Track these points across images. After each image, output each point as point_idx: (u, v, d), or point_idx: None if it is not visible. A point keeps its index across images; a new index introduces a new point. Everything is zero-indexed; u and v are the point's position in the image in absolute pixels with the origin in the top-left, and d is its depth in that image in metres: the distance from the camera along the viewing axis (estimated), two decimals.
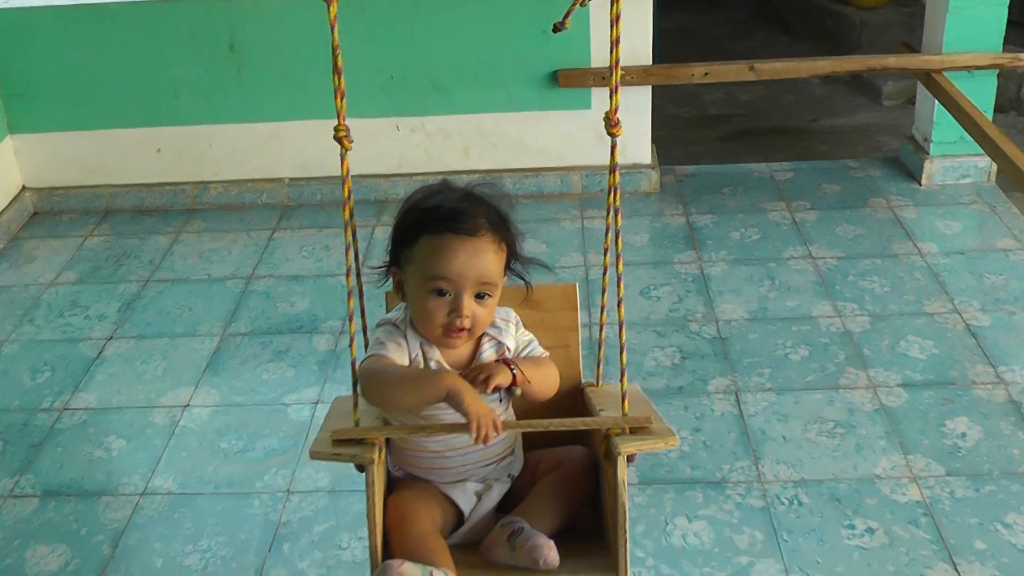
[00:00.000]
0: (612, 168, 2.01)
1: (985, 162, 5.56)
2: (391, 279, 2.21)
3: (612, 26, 1.99)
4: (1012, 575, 3.17)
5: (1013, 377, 4.05)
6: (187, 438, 3.96)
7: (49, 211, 5.89)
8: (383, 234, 5.22)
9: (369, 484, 1.97)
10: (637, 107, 5.55)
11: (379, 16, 5.47)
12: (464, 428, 1.91)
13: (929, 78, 5.44)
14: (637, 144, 5.67)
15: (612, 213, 2.06)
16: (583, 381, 2.40)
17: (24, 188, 5.90)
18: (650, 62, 5.51)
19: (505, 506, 2.19)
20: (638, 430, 2.01)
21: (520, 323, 2.25)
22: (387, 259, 2.21)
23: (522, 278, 2.22)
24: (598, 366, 2.37)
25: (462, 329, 2.06)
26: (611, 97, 2.02)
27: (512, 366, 2.09)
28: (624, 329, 2.13)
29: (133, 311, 4.84)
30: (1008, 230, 5.14)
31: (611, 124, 2.02)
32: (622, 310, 2.13)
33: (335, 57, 1.98)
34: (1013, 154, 4.62)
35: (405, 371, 2.06)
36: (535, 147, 5.68)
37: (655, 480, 3.61)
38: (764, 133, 6.99)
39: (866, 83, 7.45)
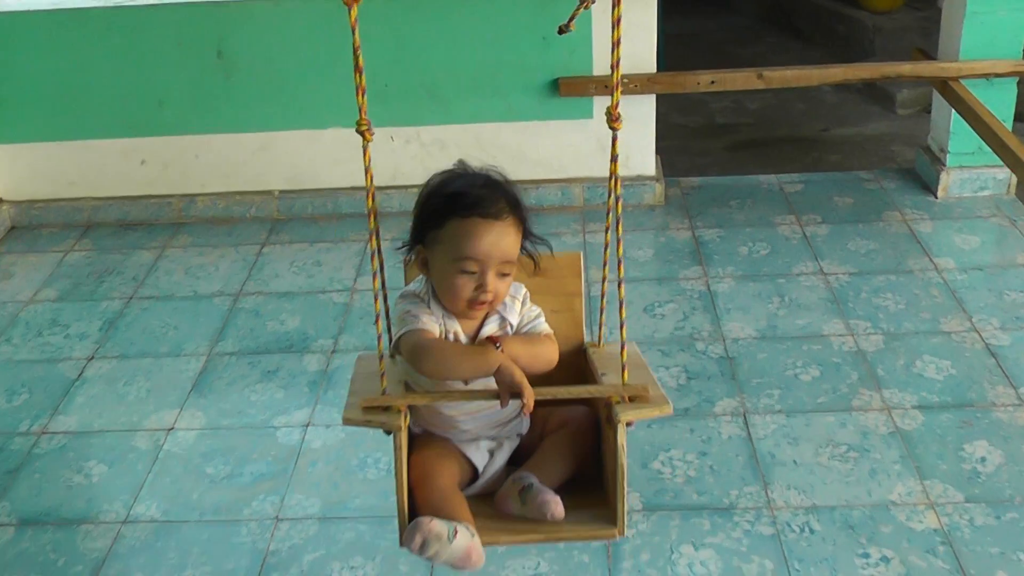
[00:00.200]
0: (613, 157, 2.25)
1: (1004, 174, 5.55)
2: (415, 256, 2.46)
3: (613, 28, 2.17)
4: None
5: None
6: (171, 463, 3.94)
7: (28, 225, 5.88)
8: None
9: (396, 448, 2.23)
10: (641, 116, 5.54)
11: (373, 21, 5.46)
12: (481, 395, 2.29)
13: (946, 86, 5.43)
14: (641, 155, 5.66)
15: (612, 197, 2.30)
16: (586, 341, 2.66)
17: (1, 201, 5.89)
18: (654, 69, 5.50)
19: (515, 460, 2.49)
20: (636, 398, 2.27)
21: (528, 298, 2.50)
22: (411, 237, 2.47)
23: (531, 257, 2.47)
24: (600, 329, 2.65)
25: (484, 303, 2.34)
26: (613, 91, 2.19)
27: (498, 344, 2.34)
28: (623, 287, 2.34)
29: (115, 330, 4.82)
30: None
31: (612, 119, 2.21)
32: (621, 268, 2.32)
33: (356, 57, 2.18)
34: None
35: (460, 347, 2.37)
36: (535, 158, 5.67)
37: (660, 506, 3.59)
38: (773, 143, 6.98)
39: (880, 91, 7.45)
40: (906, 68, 5.59)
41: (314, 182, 5.81)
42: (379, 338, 2.33)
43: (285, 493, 3.75)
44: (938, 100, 5.67)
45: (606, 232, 2.44)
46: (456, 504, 2.28)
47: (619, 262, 2.30)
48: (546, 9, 5.34)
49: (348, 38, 5.51)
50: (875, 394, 4.10)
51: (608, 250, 2.43)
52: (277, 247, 5.52)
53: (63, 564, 3.50)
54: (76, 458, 4.00)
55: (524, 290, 2.51)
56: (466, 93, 5.55)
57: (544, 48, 5.42)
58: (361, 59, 2.19)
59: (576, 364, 2.60)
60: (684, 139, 7.08)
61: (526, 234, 2.43)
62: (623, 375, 2.33)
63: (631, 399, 2.28)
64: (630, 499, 2.04)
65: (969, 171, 5.60)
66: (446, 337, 2.39)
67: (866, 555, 3.35)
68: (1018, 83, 5.53)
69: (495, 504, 2.36)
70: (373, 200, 2.30)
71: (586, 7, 2.52)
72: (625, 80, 5.25)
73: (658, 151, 5.79)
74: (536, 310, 2.51)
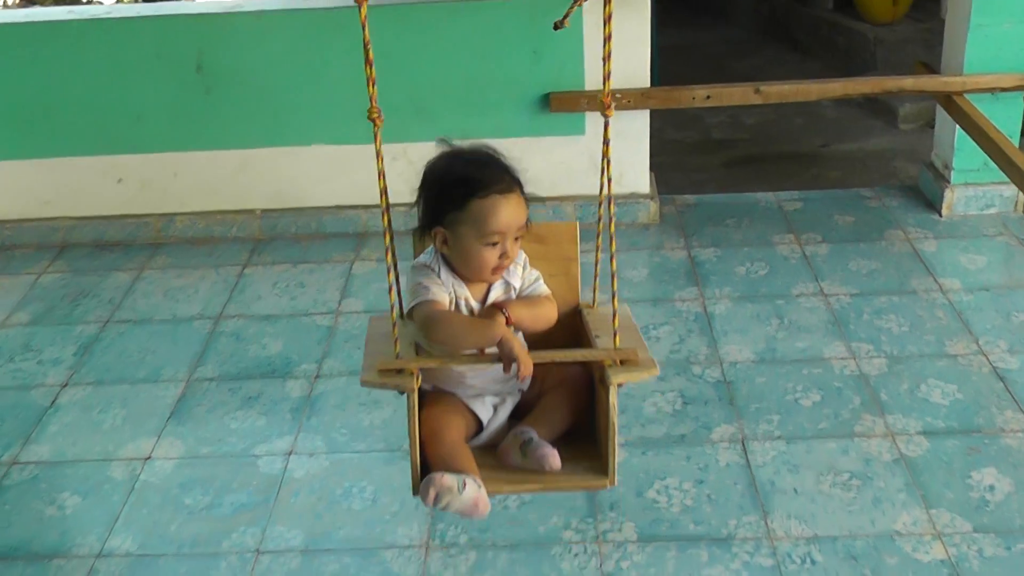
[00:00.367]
0: (605, 140, 2.50)
1: (1011, 191, 5.55)
2: (434, 236, 2.73)
3: (605, 43, 2.38)
4: None
5: None
6: (148, 493, 3.91)
7: (0, 246, 5.87)
8: (363, 270, 5.24)
9: (410, 407, 2.52)
10: (634, 132, 5.53)
11: (358, 35, 5.43)
12: (485, 359, 2.59)
13: (950, 100, 5.43)
14: (635, 172, 5.65)
15: (605, 168, 2.56)
16: (580, 302, 2.95)
17: None
18: (648, 84, 5.50)
19: (516, 414, 2.79)
20: (627, 361, 2.55)
21: (528, 263, 2.80)
22: (426, 219, 2.76)
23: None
24: (594, 292, 2.88)
25: (505, 267, 2.67)
26: (604, 65, 2.41)
27: (504, 309, 2.67)
28: (615, 257, 2.61)
29: (91, 355, 4.80)
30: None
31: (605, 106, 2.45)
32: (614, 244, 2.60)
33: (367, 51, 2.50)
34: None
35: (467, 319, 2.67)
36: (525, 175, 5.64)
37: (655, 537, 3.57)
38: (771, 159, 6.98)
39: (881, 105, 7.45)
40: (908, 82, 5.60)
41: (297, 200, 5.79)
42: (392, 307, 2.61)
43: (266, 525, 3.72)
44: (942, 115, 5.68)
45: (597, 236, 2.72)
46: (464, 458, 2.57)
47: (611, 238, 2.59)
48: (536, 22, 5.33)
49: (331, 52, 5.54)
50: (878, 420, 4.08)
51: (600, 222, 2.70)
52: (259, 268, 5.50)
53: None
54: (49, 489, 3.97)
55: (524, 256, 2.80)
56: (454, 109, 5.54)
57: (534, 62, 5.42)
58: (371, 53, 2.51)
59: (572, 324, 2.89)
60: (679, 155, 7.08)
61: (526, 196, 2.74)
62: (615, 340, 2.60)
63: (622, 362, 2.55)
64: (620, 452, 2.61)
65: (974, 188, 5.60)
66: (455, 303, 2.70)
67: None
68: None
69: (498, 456, 2.66)
70: (383, 179, 2.67)
71: (580, 4, 2.81)
72: (618, 95, 5.24)
73: (652, 168, 5.78)
74: (535, 273, 2.81)
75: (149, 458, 4.10)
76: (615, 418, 2.53)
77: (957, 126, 5.45)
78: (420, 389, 2.61)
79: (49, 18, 5.59)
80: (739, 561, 3.46)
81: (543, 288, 2.80)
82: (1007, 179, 5.09)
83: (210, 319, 5.04)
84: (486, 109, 5.53)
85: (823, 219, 5.67)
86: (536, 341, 2.68)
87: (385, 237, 2.62)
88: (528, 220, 2.73)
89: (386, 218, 2.63)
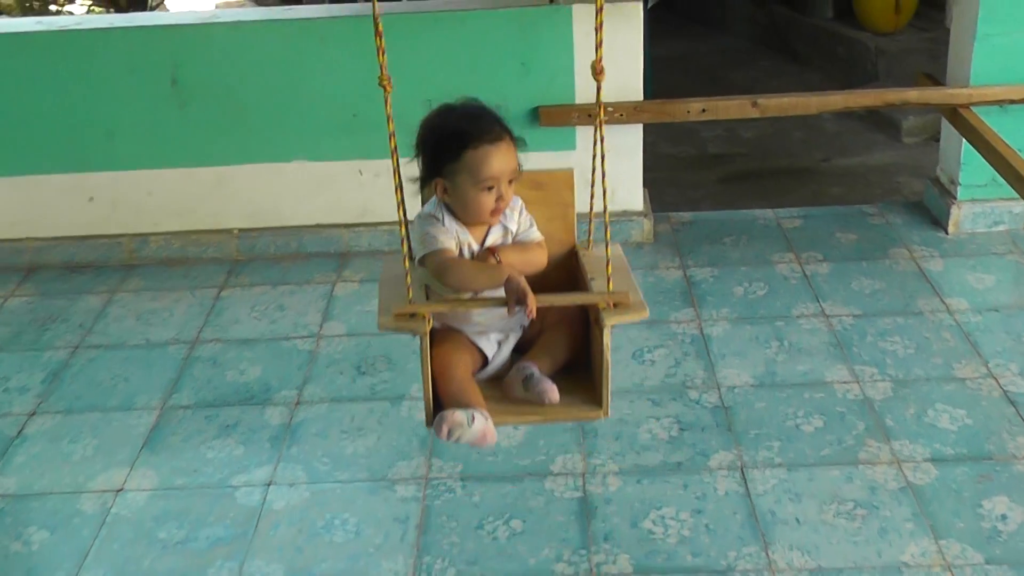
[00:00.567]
0: (599, 103, 2.79)
1: (1021, 207, 5.56)
2: (435, 187, 3.02)
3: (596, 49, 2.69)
4: None
5: None
6: (120, 527, 3.89)
7: None
8: (345, 291, 5.23)
9: (423, 349, 2.84)
10: (627, 147, 5.54)
11: (340, 46, 5.46)
12: (492, 303, 2.87)
13: (956, 113, 5.44)
14: (627, 188, 5.66)
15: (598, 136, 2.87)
16: (576, 244, 3.25)
17: None
18: (641, 97, 5.50)
19: (519, 348, 3.12)
20: (619, 304, 2.83)
21: (524, 209, 3.11)
22: (426, 172, 3.06)
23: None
24: (589, 236, 3.21)
25: (502, 209, 2.99)
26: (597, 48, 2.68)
27: (495, 255, 3.00)
28: (607, 195, 2.90)
29: (60, 382, 4.78)
30: None
31: (596, 71, 2.73)
32: (606, 182, 2.89)
33: (376, 24, 2.82)
34: None
35: (476, 264, 3.00)
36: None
37: (651, 569, 3.56)
38: (770, 175, 6.99)
39: (884, 118, 7.47)
40: (912, 95, 5.60)
41: (276, 219, 5.79)
42: (404, 257, 2.86)
43: (244, 559, 3.70)
44: (947, 128, 5.68)
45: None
46: (471, 392, 2.91)
47: (603, 175, 2.90)
48: (525, 34, 5.34)
49: (312, 64, 5.52)
50: (884, 446, 4.08)
51: (595, 174, 2.97)
52: (237, 290, 5.49)
53: None
54: (14, 524, 3.95)
55: (520, 202, 3.10)
56: None
57: (523, 75, 5.42)
58: (380, 25, 2.81)
59: (568, 264, 3.22)
60: (674, 171, 7.08)
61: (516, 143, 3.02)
62: (608, 284, 2.86)
63: (615, 305, 2.84)
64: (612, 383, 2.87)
65: (982, 204, 5.60)
66: (460, 247, 3.01)
67: None
68: None
69: (503, 389, 3.01)
70: (394, 139, 2.92)
71: None
72: (610, 109, 5.25)
73: (646, 184, 5.79)
74: (530, 219, 3.12)
75: (121, 490, 4.08)
76: (609, 356, 2.84)
77: (963, 140, 5.45)
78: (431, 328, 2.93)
79: (16, 29, 5.58)
80: None
81: (536, 234, 3.11)
82: (1016, 195, 5.09)
83: (185, 344, 5.02)
84: None
85: (824, 237, 5.68)
86: (536, 280, 2.93)
87: (394, 177, 2.90)
88: (520, 165, 3.01)
89: (394, 158, 2.92)
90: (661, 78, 7.70)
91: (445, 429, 2.81)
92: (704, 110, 5.55)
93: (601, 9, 2.64)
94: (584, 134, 5.51)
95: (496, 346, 3.11)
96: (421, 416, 4.29)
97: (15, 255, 5.82)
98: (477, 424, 2.82)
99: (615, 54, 5.23)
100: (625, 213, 5.67)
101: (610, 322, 2.81)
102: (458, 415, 2.81)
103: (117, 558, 3.75)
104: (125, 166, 5.69)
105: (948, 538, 3.62)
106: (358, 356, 4.82)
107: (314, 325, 5.10)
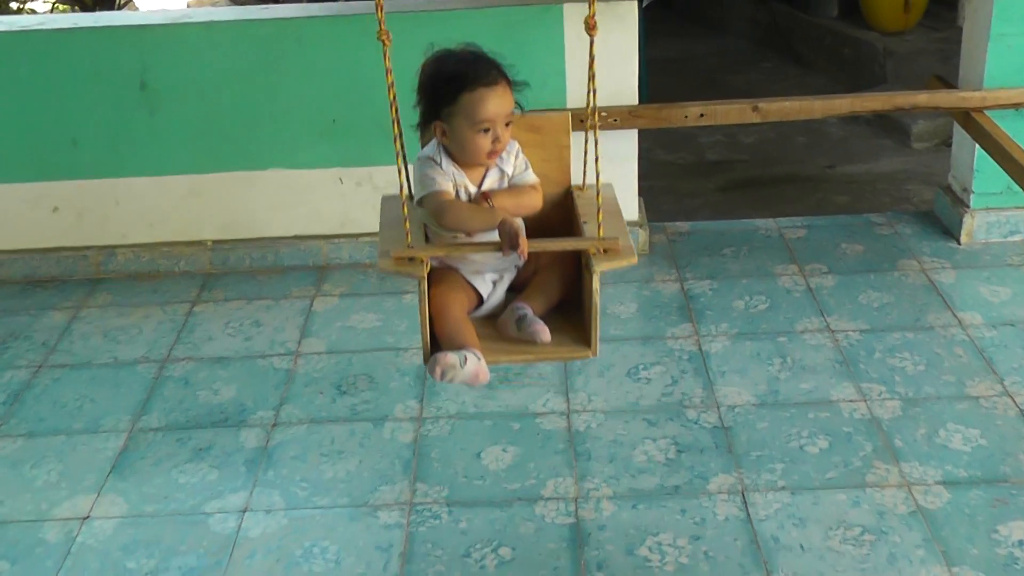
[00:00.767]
0: (593, 109, 2.97)
1: None
2: (434, 129, 3.21)
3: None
4: None
5: None
6: (86, 557, 3.88)
7: None
8: (324, 307, 5.23)
9: (421, 293, 3.05)
10: (621, 154, 5.54)
11: (318, 49, 5.46)
12: (487, 247, 3.06)
13: (968, 118, 5.45)
14: (622, 197, 5.59)
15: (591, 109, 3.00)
16: (572, 185, 3.47)
17: None
18: (636, 101, 5.51)
19: (514, 287, 3.33)
20: (609, 250, 3.01)
21: (520, 152, 3.32)
22: (425, 115, 3.24)
23: (518, 104, 3.21)
24: (583, 177, 3.39)
25: (498, 151, 3.18)
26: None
27: (488, 200, 3.21)
28: (598, 146, 3.03)
29: (22, 403, 4.78)
30: None
31: (590, 27, 2.81)
32: (597, 133, 3.00)
33: None
34: None
35: (472, 206, 3.21)
36: None
37: None
38: (771, 183, 7.01)
39: (892, 122, 7.49)
40: (922, 98, 5.61)
41: (252, 231, 5.79)
42: (403, 204, 3.00)
43: None
44: (959, 133, 5.70)
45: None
46: (466, 332, 3.11)
47: (595, 126, 3.01)
48: (511, 34, 5.34)
49: (289, 68, 5.54)
50: (893, 468, 4.08)
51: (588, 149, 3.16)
52: (210, 305, 5.49)
53: None
54: None
55: (517, 145, 3.30)
56: None
57: (511, 78, 5.41)
58: None
59: (565, 203, 3.44)
60: (670, 179, 7.10)
61: (513, 86, 3.21)
62: (599, 230, 3.02)
63: (605, 251, 3.01)
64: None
65: (996, 213, 5.62)
66: (457, 189, 3.21)
67: None
68: None
69: (498, 327, 3.21)
70: (392, 89, 3.05)
71: None
72: (604, 114, 5.26)
73: (641, 193, 5.80)
74: (525, 162, 3.32)
75: (87, 518, 4.07)
76: (597, 300, 3.02)
77: (976, 145, 5.47)
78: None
79: None
80: None
81: (531, 177, 3.32)
82: None
83: (155, 362, 5.02)
84: None
85: (829, 248, 5.69)
86: (533, 220, 3.26)
87: (394, 127, 3.10)
88: (517, 108, 3.21)
89: (394, 108, 3.09)
90: (657, 81, 7.72)
91: (439, 371, 3.01)
92: (703, 115, 5.56)
93: None
94: (576, 140, 5.49)
95: (491, 286, 3.31)
96: (405, 438, 4.32)
97: None
98: (469, 365, 3.03)
99: (609, 56, 5.25)
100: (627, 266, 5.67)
101: (599, 268, 2.99)
102: (450, 357, 3.01)
103: None
104: (91, 174, 5.69)
105: (961, 565, 3.62)
106: (338, 375, 4.82)
107: (292, 342, 5.11)
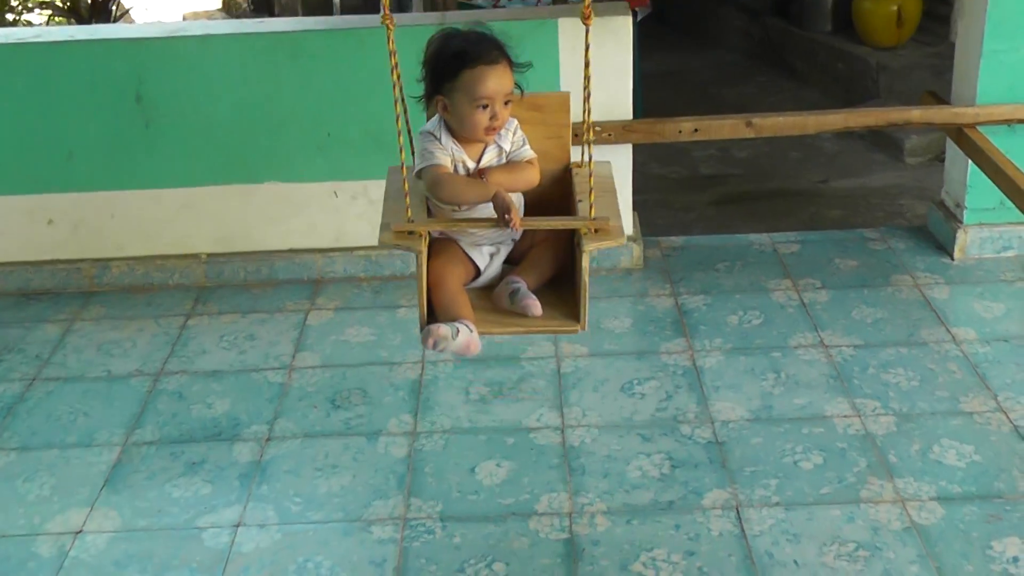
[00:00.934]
0: (587, 124, 3.25)
1: None
2: (436, 104, 3.34)
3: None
4: None
5: None
6: (79, 572, 3.86)
7: None
8: (318, 320, 5.21)
9: (419, 265, 3.18)
10: (615, 168, 5.44)
11: (314, 63, 5.45)
12: (483, 223, 3.23)
13: (961, 134, 5.45)
14: None
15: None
16: (571, 162, 3.59)
17: None
18: (630, 116, 5.50)
19: (511, 259, 3.46)
20: (600, 230, 3.12)
21: (519, 128, 3.43)
22: (429, 90, 3.36)
23: (519, 86, 3.34)
24: (581, 156, 3.45)
25: (495, 128, 3.30)
26: None
27: (484, 176, 3.33)
28: (592, 127, 3.27)
29: (15, 417, 4.76)
30: None
31: (585, 17, 2.97)
32: (589, 104, 3.21)
33: None
34: None
35: (467, 179, 3.34)
36: None
37: None
38: (765, 197, 7.00)
39: (886, 137, 7.49)
40: (915, 114, 5.60)
41: (246, 244, 5.77)
42: (404, 180, 3.17)
43: None
44: (952, 149, 5.69)
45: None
46: (461, 303, 3.24)
47: (587, 98, 3.21)
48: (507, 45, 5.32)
49: (284, 80, 5.52)
50: (887, 484, 4.07)
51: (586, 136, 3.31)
52: (204, 319, 5.48)
53: None
54: None
55: (515, 122, 3.42)
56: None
57: None
58: None
59: (564, 179, 3.55)
60: (664, 193, 7.09)
61: (514, 68, 3.34)
62: (591, 210, 3.16)
63: (596, 231, 3.12)
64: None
65: (990, 229, 5.61)
66: (455, 164, 3.34)
67: None
68: None
69: (493, 299, 3.35)
70: (396, 69, 3.22)
71: None
72: (598, 128, 5.24)
73: (635, 207, 5.79)
74: (523, 138, 3.43)
75: (80, 532, 4.05)
76: (587, 278, 3.14)
77: (969, 161, 5.46)
78: (428, 235, 3.28)
79: None
80: None
81: (528, 152, 3.43)
82: None
83: (149, 376, 5.00)
84: None
85: (823, 263, 5.68)
86: (533, 195, 3.40)
87: (396, 107, 3.17)
88: (517, 88, 3.33)
89: (396, 89, 3.21)
90: (651, 95, 7.71)
91: (431, 341, 3.15)
92: (696, 130, 5.55)
93: None
94: (571, 152, 5.49)
95: (488, 258, 3.44)
96: (399, 452, 4.30)
97: None
98: (461, 336, 3.16)
99: (603, 71, 5.23)
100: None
101: (588, 247, 3.11)
102: (443, 329, 3.14)
103: None
104: (86, 187, 5.67)
105: None
106: (332, 389, 4.81)
107: (286, 356, 5.09)
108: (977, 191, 5.55)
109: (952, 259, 5.63)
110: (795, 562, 3.72)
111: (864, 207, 6.73)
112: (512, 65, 3.35)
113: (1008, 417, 4.40)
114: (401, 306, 5.40)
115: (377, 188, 5.52)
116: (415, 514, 4.03)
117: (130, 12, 12.67)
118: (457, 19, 5.58)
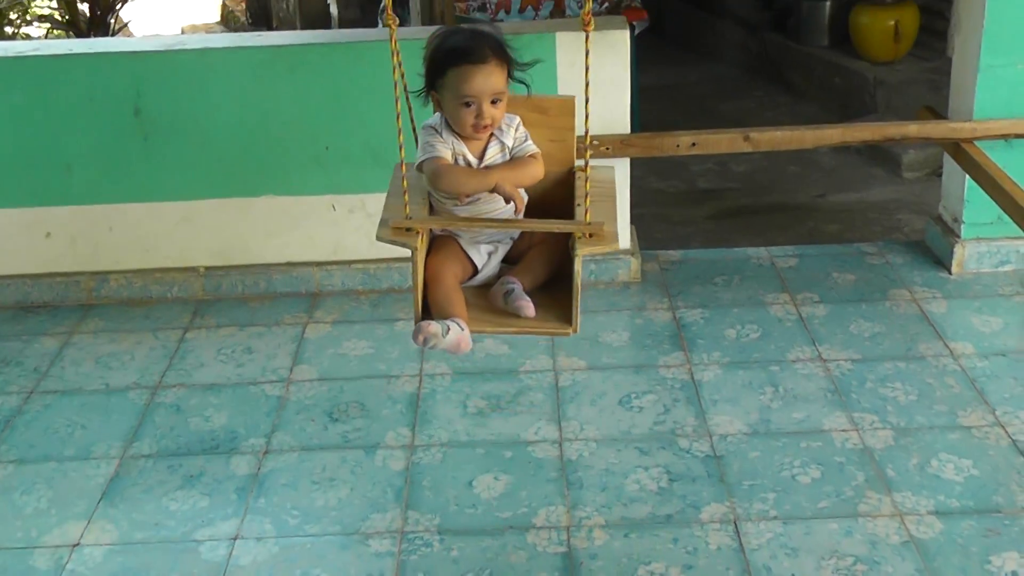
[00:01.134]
0: (587, 52, 3.08)
1: None
2: (431, 101, 3.43)
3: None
4: None
5: None
6: None
7: None
8: (316, 334, 5.21)
9: (414, 263, 3.21)
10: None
11: (311, 76, 5.45)
12: (480, 223, 3.33)
13: (958, 148, 5.44)
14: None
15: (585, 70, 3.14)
16: (575, 165, 3.58)
17: None
18: (628, 130, 5.50)
19: (509, 258, 3.49)
20: (594, 235, 3.14)
21: (520, 125, 3.47)
22: (425, 85, 3.41)
23: (523, 83, 3.42)
24: (585, 164, 3.41)
25: (486, 126, 3.34)
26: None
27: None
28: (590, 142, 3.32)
29: (13, 430, 4.74)
30: None
31: (584, 23, 3.00)
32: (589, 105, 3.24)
33: None
34: None
35: (467, 170, 3.38)
36: None
37: None
38: (763, 211, 7.00)
39: (883, 152, 7.49)
40: (912, 129, 5.60)
41: (244, 257, 5.77)
42: (403, 177, 3.19)
43: None
44: (950, 163, 5.69)
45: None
46: (455, 301, 3.28)
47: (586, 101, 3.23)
48: None
49: (282, 94, 5.52)
50: (885, 498, 4.07)
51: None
52: (202, 332, 5.47)
53: None
54: None
55: (518, 119, 3.47)
56: (414, 157, 5.52)
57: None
58: None
59: (567, 182, 3.55)
60: (662, 207, 7.09)
61: (513, 68, 3.39)
62: (586, 215, 3.17)
63: (590, 235, 3.15)
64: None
65: (987, 243, 5.61)
66: (455, 157, 3.39)
67: None
68: None
69: (488, 297, 3.37)
70: (399, 68, 3.25)
71: None
72: (595, 142, 5.24)
73: (633, 221, 5.79)
74: (525, 134, 3.47)
75: (77, 545, 4.04)
76: (579, 281, 3.18)
77: (967, 176, 5.46)
78: (431, 232, 3.37)
79: None
80: None
81: (531, 147, 3.46)
82: (1023, 234, 5.09)
83: (147, 389, 4.99)
84: None
85: (821, 277, 5.68)
86: (535, 198, 3.42)
87: (396, 105, 3.15)
88: (524, 88, 3.43)
89: (397, 88, 3.19)
90: (649, 108, 7.72)
91: (421, 338, 3.17)
92: (694, 144, 5.54)
93: None
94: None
95: (486, 256, 3.47)
96: (397, 466, 4.29)
97: None
98: (452, 334, 3.18)
99: (601, 85, 5.22)
100: (610, 252, 5.65)
101: (581, 252, 3.14)
102: (434, 326, 3.17)
103: None
104: (84, 200, 5.67)
105: None
106: (330, 402, 4.80)
107: (284, 369, 5.08)
108: (975, 205, 5.55)
109: (950, 273, 5.63)
110: None
111: (862, 221, 6.73)
112: (509, 64, 3.39)
113: (1006, 431, 4.39)
114: (399, 319, 5.40)
115: (375, 202, 5.51)
116: (413, 527, 4.02)
117: (128, 26, 12.67)
118: None
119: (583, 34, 2.99)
